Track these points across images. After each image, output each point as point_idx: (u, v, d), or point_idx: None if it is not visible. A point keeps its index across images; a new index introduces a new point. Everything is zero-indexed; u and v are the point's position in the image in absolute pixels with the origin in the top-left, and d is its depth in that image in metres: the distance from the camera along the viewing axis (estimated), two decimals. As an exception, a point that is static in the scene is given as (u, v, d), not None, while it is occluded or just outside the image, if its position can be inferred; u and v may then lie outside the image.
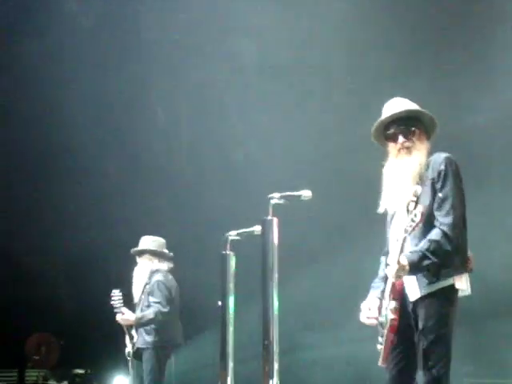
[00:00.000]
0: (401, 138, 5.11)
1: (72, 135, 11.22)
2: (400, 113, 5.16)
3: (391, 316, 4.93)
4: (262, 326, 5.56)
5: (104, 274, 10.74)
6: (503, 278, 9.42)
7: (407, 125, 5.13)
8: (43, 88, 11.04)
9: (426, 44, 10.52)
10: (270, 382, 5.47)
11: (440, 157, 5.03)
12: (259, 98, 11.30)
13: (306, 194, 5.75)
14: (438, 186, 4.95)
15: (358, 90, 10.59)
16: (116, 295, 8.36)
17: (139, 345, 8.26)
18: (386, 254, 5.22)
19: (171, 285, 8.39)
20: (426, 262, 4.82)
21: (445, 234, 4.84)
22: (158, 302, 8.23)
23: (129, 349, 8.37)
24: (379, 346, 5.05)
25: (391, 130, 5.17)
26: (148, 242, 8.45)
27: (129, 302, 8.44)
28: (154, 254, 8.42)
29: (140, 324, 8.27)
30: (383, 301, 5.04)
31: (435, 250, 4.83)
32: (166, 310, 8.22)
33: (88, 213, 11.65)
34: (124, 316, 8.30)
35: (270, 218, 5.66)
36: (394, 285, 4.93)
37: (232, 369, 6.59)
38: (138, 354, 8.31)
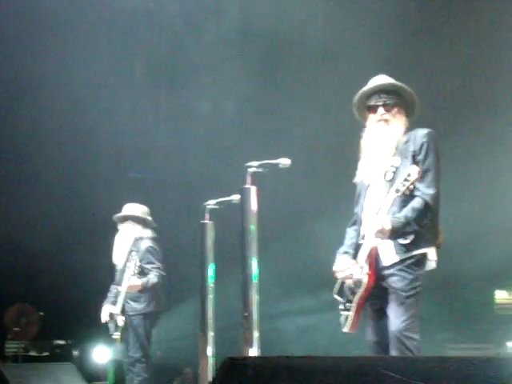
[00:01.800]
0: (381, 110, 5.27)
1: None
2: (383, 85, 5.32)
3: (366, 280, 5.07)
4: (241, 294, 5.58)
5: (84, 243, 10.70)
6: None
7: (388, 98, 5.28)
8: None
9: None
10: (250, 350, 5.50)
11: (422, 131, 5.18)
12: (238, 63, 11.25)
13: (285, 162, 5.75)
14: (420, 157, 5.08)
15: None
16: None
17: (129, 312, 8.20)
18: (354, 224, 5.35)
19: (159, 251, 8.37)
20: (408, 229, 5.00)
21: (427, 204, 5.03)
22: (158, 267, 8.22)
23: (118, 323, 8.31)
24: (345, 313, 5.19)
25: (372, 102, 5.31)
26: (131, 208, 8.40)
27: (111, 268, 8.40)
28: (138, 220, 8.37)
29: (146, 289, 8.21)
30: (355, 265, 5.15)
31: (418, 218, 5.01)
32: (164, 273, 8.24)
33: (68, 182, 11.58)
34: (131, 282, 8.18)
35: (248, 186, 5.66)
36: (370, 250, 5.05)
37: (212, 338, 6.61)
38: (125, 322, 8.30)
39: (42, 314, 11.66)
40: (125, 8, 11.38)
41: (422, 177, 5.01)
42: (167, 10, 11.35)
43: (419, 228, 5.02)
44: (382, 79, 5.39)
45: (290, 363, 3.60)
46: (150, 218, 8.43)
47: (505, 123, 9.74)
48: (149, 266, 8.21)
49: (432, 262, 5.15)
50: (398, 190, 4.91)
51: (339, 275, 5.24)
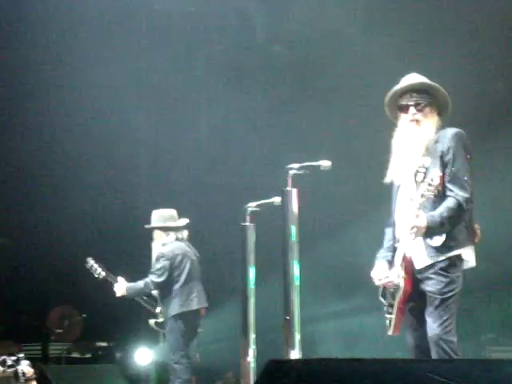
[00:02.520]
0: (412, 110, 5.21)
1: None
2: (414, 84, 5.26)
3: (402, 284, 5.06)
4: (283, 297, 5.58)
5: (127, 246, 10.77)
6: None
7: (420, 97, 5.22)
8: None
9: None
10: (292, 352, 5.50)
11: (450, 131, 5.13)
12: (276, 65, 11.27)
13: (325, 164, 5.75)
14: (448, 159, 5.04)
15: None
16: (92, 264, 8.43)
17: (163, 317, 8.32)
18: (391, 225, 5.31)
19: (176, 253, 8.34)
20: (443, 229, 4.97)
21: (460, 205, 4.99)
22: (152, 273, 8.26)
23: (156, 319, 8.42)
24: (388, 316, 5.19)
25: (404, 101, 5.25)
26: (154, 218, 8.46)
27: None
28: (161, 229, 8.44)
29: (131, 294, 8.32)
30: (392, 269, 5.13)
31: (452, 217, 4.98)
32: (159, 280, 8.20)
33: (110, 183, 11.64)
34: (117, 285, 8.35)
35: (289, 188, 5.67)
36: (404, 254, 5.04)
37: (254, 340, 6.61)
38: (162, 324, 8.38)
39: (84, 316, 11.75)
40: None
41: (454, 178, 4.99)
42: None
43: (452, 228, 4.98)
44: (414, 78, 5.32)
45: (333, 366, 3.60)
46: (171, 224, 8.42)
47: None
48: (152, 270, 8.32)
49: (469, 262, 5.10)
50: (423, 195, 4.87)
51: (377, 282, 5.23)
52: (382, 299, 5.26)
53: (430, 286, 5.00)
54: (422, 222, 4.91)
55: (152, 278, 8.24)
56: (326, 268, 10.25)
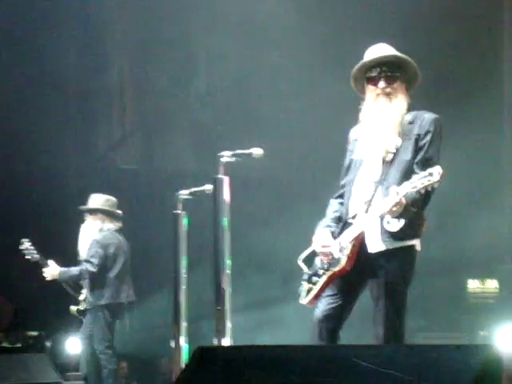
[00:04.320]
0: (382, 83, 5.00)
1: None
2: (386, 56, 5.05)
3: (343, 262, 4.90)
4: (214, 285, 5.59)
5: (55, 231, 10.62)
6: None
7: (391, 71, 5.02)
8: None
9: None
10: (223, 340, 5.51)
11: (430, 116, 4.98)
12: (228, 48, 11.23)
13: (257, 151, 5.75)
14: (424, 143, 4.90)
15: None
16: (27, 246, 8.32)
17: (88, 306, 8.23)
18: (340, 198, 5.13)
19: (111, 243, 8.28)
20: (412, 209, 4.79)
21: (429, 191, 4.79)
22: (87, 261, 8.16)
23: (78, 307, 8.35)
24: (309, 285, 5.03)
25: (373, 73, 5.03)
26: (101, 200, 8.33)
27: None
28: (107, 213, 8.33)
29: (63, 279, 8.23)
30: (336, 240, 4.97)
31: (421, 201, 4.83)
32: (93, 269, 8.12)
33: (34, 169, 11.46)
34: (49, 269, 8.24)
35: (221, 176, 5.66)
36: (359, 234, 4.88)
37: (185, 328, 6.61)
38: (83, 312, 8.30)
39: (14, 305, 11.59)
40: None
41: (424, 164, 4.80)
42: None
43: (416, 213, 4.81)
44: (384, 50, 5.11)
45: (261, 352, 3.61)
46: (118, 211, 8.38)
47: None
48: (83, 258, 8.22)
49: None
50: (415, 187, 4.66)
51: (318, 248, 5.01)
52: (302, 264, 5.10)
53: (382, 277, 4.87)
54: (402, 199, 4.68)
55: (88, 266, 8.12)
56: (257, 256, 10.27)
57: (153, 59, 11.68)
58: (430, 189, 4.73)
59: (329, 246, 4.96)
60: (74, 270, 8.22)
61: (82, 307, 8.34)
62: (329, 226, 5.08)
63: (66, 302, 8.49)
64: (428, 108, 5.08)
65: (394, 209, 4.70)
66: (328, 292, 5.01)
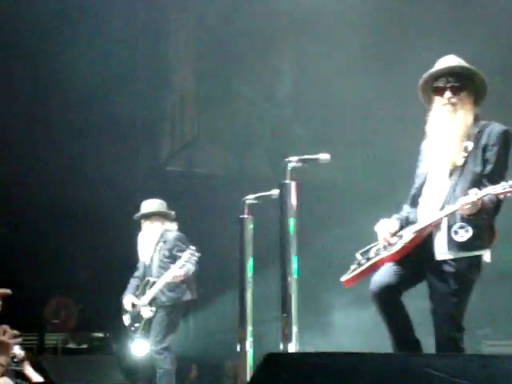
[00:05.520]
0: (448, 93, 5.01)
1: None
2: (452, 67, 5.05)
3: (397, 248, 4.94)
4: (280, 290, 5.58)
5: (123, 236, 10.75)
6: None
7: (457, 81, 5.01)
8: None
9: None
10: (290, 345, 5.50)
11: (499, 127, 4.96)
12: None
13: (324, 157, 5.74)
14: (491, 155, 4.88)
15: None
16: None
17: (165, 303, 8.27)
18: (411, 204, 5.16)
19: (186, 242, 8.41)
20: (486, 216, 4.80)
21: (499, 202, 4.82)
22: (192, 252, 8.19)
23: (144, 314, 8.40)
24: (354, 266, 5.15)
25: (440, 83, 5.04)
26: (154, 204, 8.47)
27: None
28: (164, 215, 8.43)
29: (187, 278, 8.25)
30: (400, 231, 5.02)
31: (493, 210, 4.84)
32: (198, 254, 8.21)
33: (104, 176, 11.61)
34: (174, 272, 8.21)
35: (287, 181, 5.66)
36: (423, 228, 4.89)
37: (251, 332, 6.62)
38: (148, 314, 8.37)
39: (81, 306, 11.76)
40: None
41: (493, 176, 4.80)
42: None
43: (488, 221, 4.83)
44: (452, 60, 5.12)
45: (331, 360, 3.60)
46: (171, 212, 8.48)
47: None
48: (180, 254, 8.24)
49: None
50: (495, 189, 4.66)
51: (380, 233, 5.08)
52: (359, 256, 5.18)
53: (446, 284, 4.87)
54: (479, 201, 4.68)
55: (195, 255, 8.15)
56: (324, 262, 10.24)
57: (224, 66, 11.73)
58: (502, 197, 4.73)
59: (392, 232, 5.02)
60: (190, 267, 8.18)
61: (153, 308, 8.36)
62: (399, 219, 5.13)
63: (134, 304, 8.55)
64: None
65: (467, 207, 4.68)
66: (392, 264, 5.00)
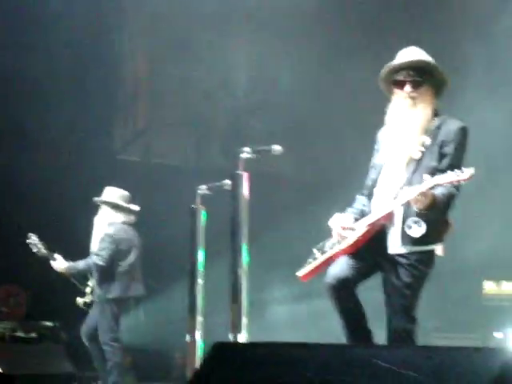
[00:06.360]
0: (408, 87, 5.01)
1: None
2: (413, 61, 5.05)
3: (351, 241, 4.96)
4: (230, 280, 5.59)
5: (73, 223, 10.67)
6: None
7: (418, 75, 5.01)
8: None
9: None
10: (239, 336, 5.52)
11: (457, 124, 4.97)
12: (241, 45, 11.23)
13: (277, 148, 5.76)
14: (449, 150, 4.90)
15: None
16: (34, 240, 8.39)
17: (95, 298, 8.24)
18: (365, 195, 5.16)
19: (123, 238, 8.28)
20: (439, 212, 4.81)
21: (453, 196, 4.84)
22: (97, 254, 8.14)
23: (84, 299, 8.37)
24: (310, 260, 5.12)
25: (400, 76, 5.04)
26: (113, 193, 8.36)
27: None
28: (112, 206, 8.32)
29: (70, 273, 8.27)
30: (353, 224, 5.01)
31: (447, 205, 4.86)
32: (102, 263, 8.09)
33: (53, 161, 11.48)
34: (56, 263, 8.31)
35: (239, 172, 5.66)
36: (376, 221, 4.92)
37: (201, 323, 6.63)
38: (90, 304, 8.32)
39: (30, 295, 11.64)
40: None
41: (446, 170, 4.74)
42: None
43: (442, 216, 4.86)
44: (413, 54, 5.11)
45: (279, 349, 3.62)
46: (124, 204, 8.34)
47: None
48: (93, 251, 8.22)
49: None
50: (446, 179, 4.65)
51: (334, 227, 5.05)
52: (315, 250, 5.16)
53: (399, 277, 4.89)
54: (431, 194, 4.68)
55: (96, 260, 8.11)
56: (275, 252, 10.26)
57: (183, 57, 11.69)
58: (455, 192, 4.77)
59: (346, 227, 5.00)
60: (82, 263, 8.25)
61: (88, 299, 8.36)
62: (353, 213, 5.13)
63: (80, 294, 8.51)
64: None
65: (419, 197, 4.69)
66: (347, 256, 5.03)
